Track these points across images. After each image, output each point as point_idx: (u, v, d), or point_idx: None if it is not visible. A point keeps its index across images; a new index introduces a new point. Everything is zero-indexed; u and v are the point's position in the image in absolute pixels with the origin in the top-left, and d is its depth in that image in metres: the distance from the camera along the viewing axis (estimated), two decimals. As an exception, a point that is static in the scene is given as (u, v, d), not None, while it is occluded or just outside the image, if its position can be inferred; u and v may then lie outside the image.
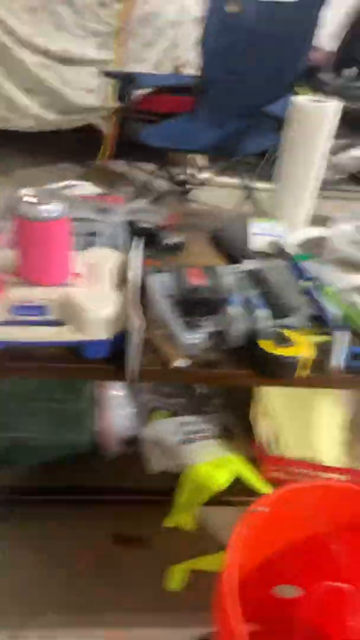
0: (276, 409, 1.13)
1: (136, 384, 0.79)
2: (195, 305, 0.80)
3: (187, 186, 2.64)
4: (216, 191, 2.74)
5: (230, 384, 1.15)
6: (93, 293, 0.78)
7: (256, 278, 0.93)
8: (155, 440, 1.14)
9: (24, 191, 0.74)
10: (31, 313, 0.77)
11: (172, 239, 1.11)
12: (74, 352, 0.79)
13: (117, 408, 1.16)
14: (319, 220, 1.27)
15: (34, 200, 0.73)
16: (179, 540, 1.07)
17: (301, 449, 1.10)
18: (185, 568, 1.03)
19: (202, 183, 2.63)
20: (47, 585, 1.00)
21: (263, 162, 2.51)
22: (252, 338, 0.80)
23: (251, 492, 1.09)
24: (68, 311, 0.76)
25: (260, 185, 2.38)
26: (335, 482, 1.03)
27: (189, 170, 2.72)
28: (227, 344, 0.81)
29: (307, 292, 0.92)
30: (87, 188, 1.30)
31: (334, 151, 2.76)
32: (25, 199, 0.73)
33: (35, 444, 1.00)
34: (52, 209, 0.73)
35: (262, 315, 0.82)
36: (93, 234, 1.02)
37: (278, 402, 1.15)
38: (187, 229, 1.19)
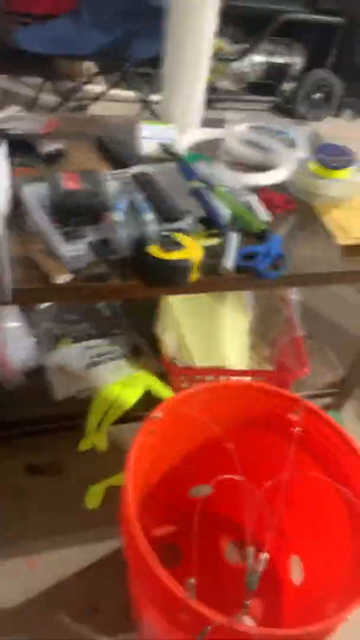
0: (180, 320, 1.12)
1: (10, 305, 0.72)
2: (73, 213, 0.72)
3: (80, 102, 2.40)
4: (112, 107, 2.54)
5: (120, 297, 1.12)
6: None
7: (142, 182, 0.86)
8: (61, 368, 1.10)
9: None
10: None
11: (50, 146, 1.00)
12: None
13: (15, 339, 1.08)
14: (213, 124, 1.20)
15: None
16: (94, 461, 1.06)
17: (207, 357, 1.10)
18: (102, 487, 1.04)
19: (96, 98, 2.41)
20: None
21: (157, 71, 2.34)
22: (139, 245, 0.75)
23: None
24: None
25: (157, 97, 2.22)
26: (229, 381, 1.05)
27: (80, 84, 2.47)
28: (112, 254, 0.75)
29: (197, 194, 0.87)
30: None
31: (234, 58, 2.63)
32: None
33: None
34: None
35: (149, 219, 0.77)
36: None
37: (181, 313, 1.13)
38: (69, 136, 1.08)
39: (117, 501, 1.05)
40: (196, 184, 0.89)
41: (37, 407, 1.04)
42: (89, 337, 1.17)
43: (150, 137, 1.08)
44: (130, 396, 1.05)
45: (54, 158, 0.98)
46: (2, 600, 0.87)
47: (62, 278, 0.72)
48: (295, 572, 0.92)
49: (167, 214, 0.79)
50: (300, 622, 0.60)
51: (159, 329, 1.13)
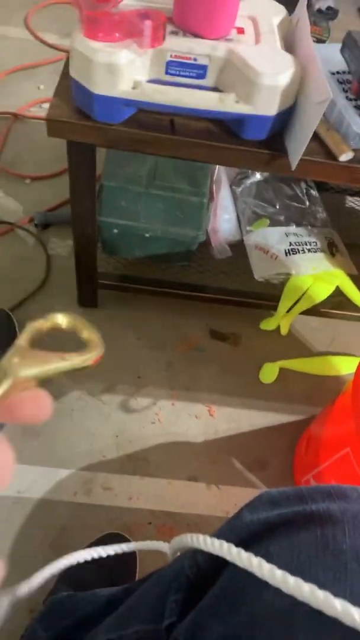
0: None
1: (291, 175, 0.71)
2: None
3: None
4: None
5: None
6: (262, 54, 0.64)
7: None
8: (260, 248, 1.11)
9: None
10: (188, 73, 0.65)
11: (322, 2, 0.90)
12: (225, 129, 0.70)
13: (225, 210, 1.10)
14: None
15: None
16: (272, 342, 1.12)
17: None
18: (277, 366, 1.10)
19: None
20: (149, 363, 1.08)
21: None
22: None
23: (344, 307, 1.11)
24: (232, 75, 0.64)
25: None
26: None
27: None
28: None
29: None
30: None
31: None
32: None
33: (149, 236, 0.96)
34: None
35: None
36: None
37: None
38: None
39: (289, 382, 1.12)
40: None
41: (235, 280, 1.08)
42: (287, 223, 1.16)
43: None
44: (322, 291, 1.06)
45: (326, 17, 0.89)
46: (189, 435, 1.00)
47: (345, 156, 0.70)
48: None
49: None
50: None
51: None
